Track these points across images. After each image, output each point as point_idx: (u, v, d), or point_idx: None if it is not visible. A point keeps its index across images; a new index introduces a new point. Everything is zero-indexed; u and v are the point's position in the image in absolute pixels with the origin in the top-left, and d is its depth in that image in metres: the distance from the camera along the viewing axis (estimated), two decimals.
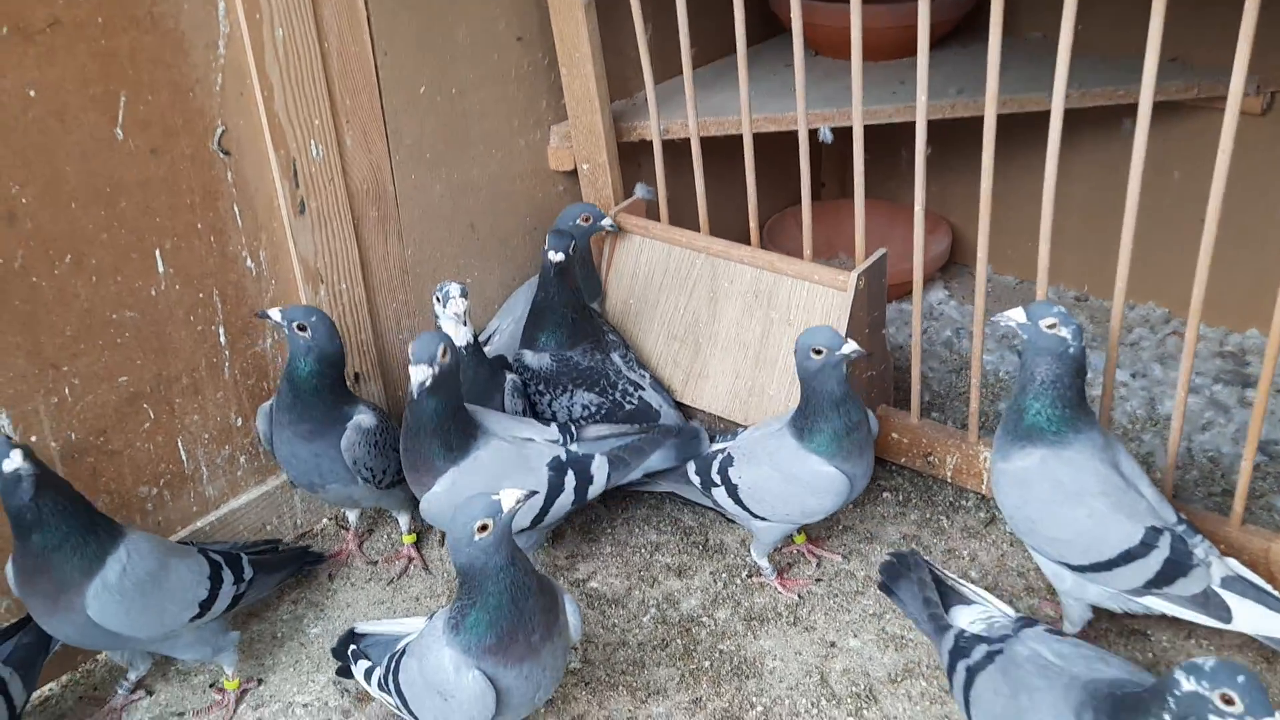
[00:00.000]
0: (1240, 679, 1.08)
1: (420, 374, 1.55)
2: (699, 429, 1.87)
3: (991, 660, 1.36)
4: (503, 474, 1.63)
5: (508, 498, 1.30)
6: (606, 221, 2.02)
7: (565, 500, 1.71)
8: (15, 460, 1.37)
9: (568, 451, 1.72)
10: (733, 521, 1.86)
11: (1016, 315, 1.51)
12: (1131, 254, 1.65)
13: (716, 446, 1.80)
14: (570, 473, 1.70)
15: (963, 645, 1.41)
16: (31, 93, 1.45)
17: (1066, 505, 1.49)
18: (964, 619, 1.47)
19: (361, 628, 1.59)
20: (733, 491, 1.72)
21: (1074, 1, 1.52)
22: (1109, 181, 2.55)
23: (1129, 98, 2.26)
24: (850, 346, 1.58)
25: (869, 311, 1.88)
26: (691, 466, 1.78)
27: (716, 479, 1.74)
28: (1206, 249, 1.56)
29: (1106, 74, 2.25)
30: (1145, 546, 1.47)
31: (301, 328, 1.64)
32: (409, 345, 1.58)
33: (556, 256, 1.86)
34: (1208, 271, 1.58)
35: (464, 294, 1.73)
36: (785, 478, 1.67)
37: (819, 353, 1.59)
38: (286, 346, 1.68)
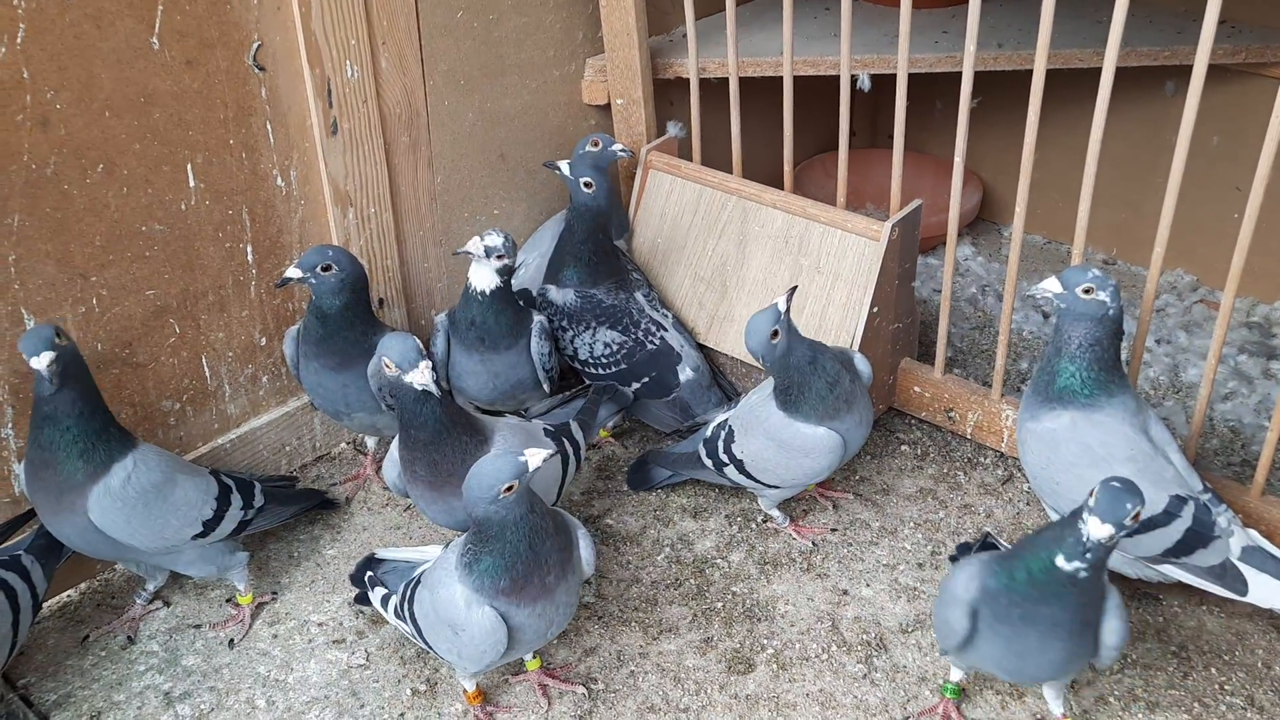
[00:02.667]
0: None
1: (423, 375, 1.41)
2: (617, 386, 1.89)
3: None
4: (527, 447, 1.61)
5: (533, 457, 1.29)
6: (617, 147, 1.98)
7: (572, 466, 1.71)
8: (43, 360, 1.38)
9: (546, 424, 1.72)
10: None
11: (1052, 286, 1.49)
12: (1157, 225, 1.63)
13: (720, 417, 1.78)
14: (564, 440, 1.70)
15: None
16: None
17: (1092, 468, 1.48)
18: None
19: (381, 554, 1.60)
20: (740, 467, 1.72)
21: None
22: (1145, 143, 2.52)
23: (1174, 59, 2.22)
24: (782, 303, 1.54)
25: (900, 263, 1.87)
26: (703, 450, 1.77)
27: (725, 459, 1.73)
28: (1250, 218, 1.54)
29: (1153, 34, 2.21)
30: (1168, 515, 1.47)
31: (326, 268, 1.62)
32: (383, 353, 1.42)
33: (586, 184, 1.84)
34: (1250, 240, 1.56)
35: (497, 251, 1.69)
36: (779, 445, 1.67)
37: (776, 335, 1.55)
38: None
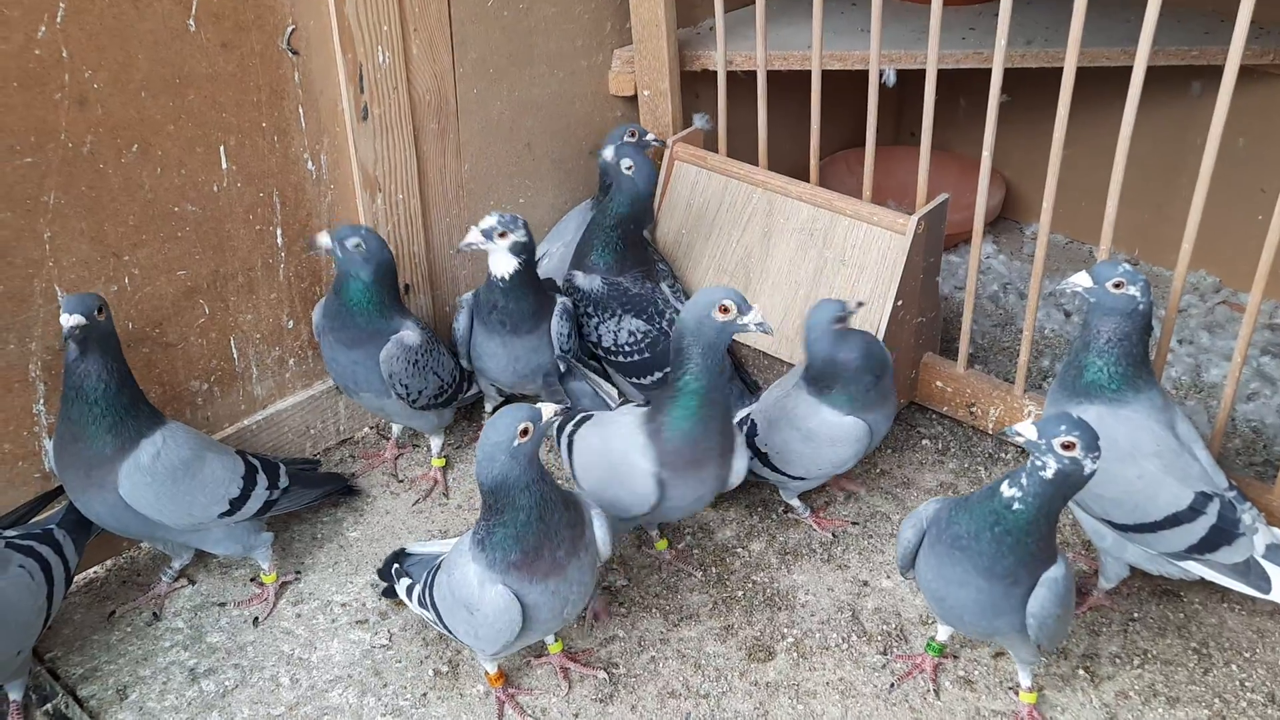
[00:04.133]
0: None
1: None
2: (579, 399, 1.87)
3: None
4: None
5: (546, 410, 1.31)
6: (651, 136, 1.99)
7: None
8: (71, 320, 1.39)
9: None
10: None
11: (1081, 280, 1.50)
12: (1184, 223, 1.63)
13: (743, 412, 1.79)
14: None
15: None
16: None
17: (1118, 464, 1.49)
18: None
19: (410, 548, 1.62)
20: (765, 459, 1.72)
21: None
22: (1170, 143, 2.52)
23: (1202, 59, 2.22)
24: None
25: (925, 257, 1.87)
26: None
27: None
28: (1278, 223, 1.54)
29: (1181, 34, 2.21)
30: (1193, 511, 1.47)
31: (357, 245, 1.64)
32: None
33: (626, 164, 1.85)
34: (1277, 242, 1.56)
35: (489, 231, 1.69)
36: (805, 436, 1.68)
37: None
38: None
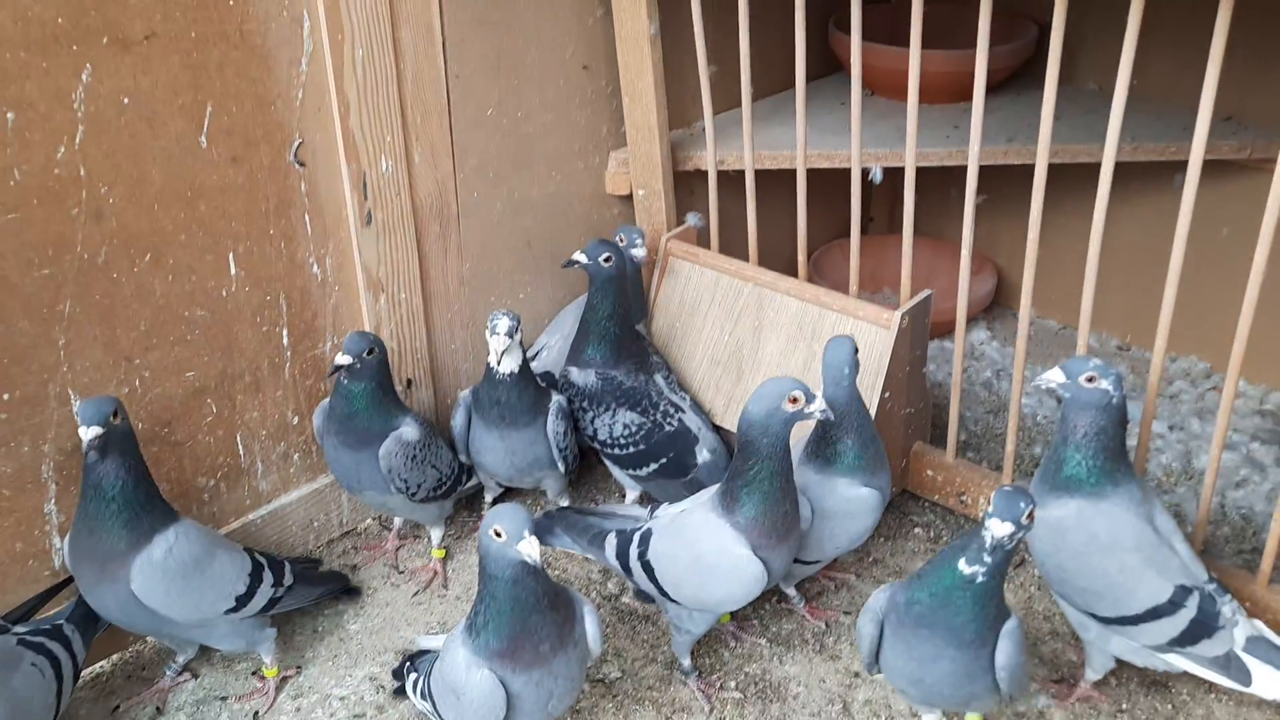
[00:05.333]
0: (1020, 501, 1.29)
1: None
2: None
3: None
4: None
5: (526, 546, 1.32)
6: (637, 251, 2.06)
7: None
8: (90, 433, 1.45)
9: None
10: None
11: (1055, 376, 1.54)
12: (1176, 308, 1.68)
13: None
14: None
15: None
16: (125, 100, 1.54)
17: (1099, 557, 1.52)
18: None
19: (422, 643, 1.65)
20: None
21: (1130, 56, 1.55)
22: (1157, 231, 2.56)
23: (1181, 154, 2.27)
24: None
25: (911, 350, 1.92)
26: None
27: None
28: (1248, 309, 1.59)
29: (1160, 129, 2.28)
30: (1173, 605, 1.49)
31: (370, 352, 1.72)
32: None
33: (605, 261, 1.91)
34: (1249, 330, 1.60)
35: (510, 332, 1.75)
36: (822, 514, 1.67)
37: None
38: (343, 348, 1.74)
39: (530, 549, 1.32)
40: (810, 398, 1.49)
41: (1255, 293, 1.59)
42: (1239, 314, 1.61)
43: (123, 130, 1.55)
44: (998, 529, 1.29)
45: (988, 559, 1.31)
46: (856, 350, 1.65)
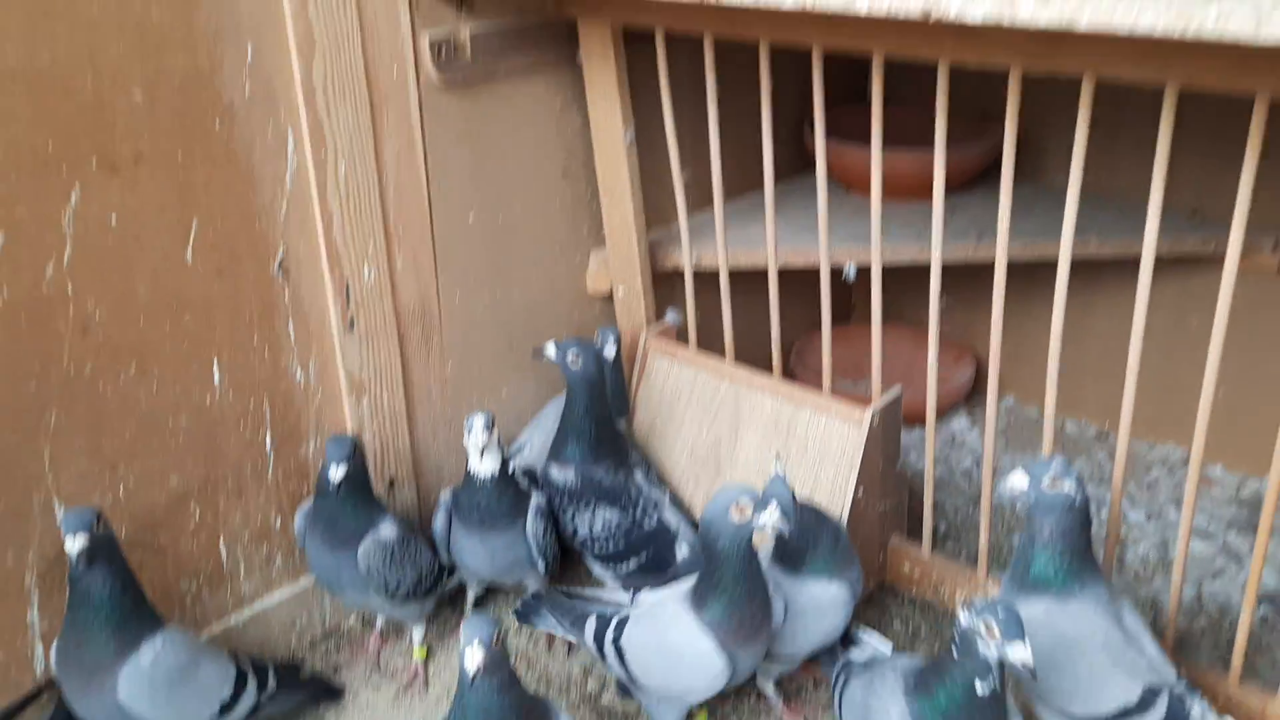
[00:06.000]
0: (1000, 611, 1.35)
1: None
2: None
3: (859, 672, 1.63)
4: None
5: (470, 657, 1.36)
6: (609, 351, 2.11)
7: None
8: (76, 544, 1.48)
9: None
10: None
11: (1019, 482, 1.57)
12: (1153, 396, 1.71)
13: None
14: None
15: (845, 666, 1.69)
16: (113, 218, 1.60)
17: (1067, 657, 1.53)
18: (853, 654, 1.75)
19: None
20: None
21: (1081, 155, 1.59)
22: (1129, 321, 2.62)
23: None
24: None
25: (884, 446, 1.95)
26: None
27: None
28: (1207, 398, 1.62)
29: (1126, 225, 2.34)
30: (1143, 705, 1.50)
31: (352, 455, 1.76)
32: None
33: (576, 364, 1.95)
34: (1208, 420, 1.63)
35: (488, 426, 1.80)
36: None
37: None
38: (325, 456, 1.78)
39: (470, 658, 1.34)
40: (760, 507, 1.51)
41: (1213, 382, 1.62)
42: (1213, 403, 1.65)
43: (110, 248, 1.60)
44: (1019, 653, 1.34)
45: (995, 677, 1.37)
46: (794, 495, 1.64)
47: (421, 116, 1.90)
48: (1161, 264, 2.33)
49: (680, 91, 2.04)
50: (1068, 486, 1.55)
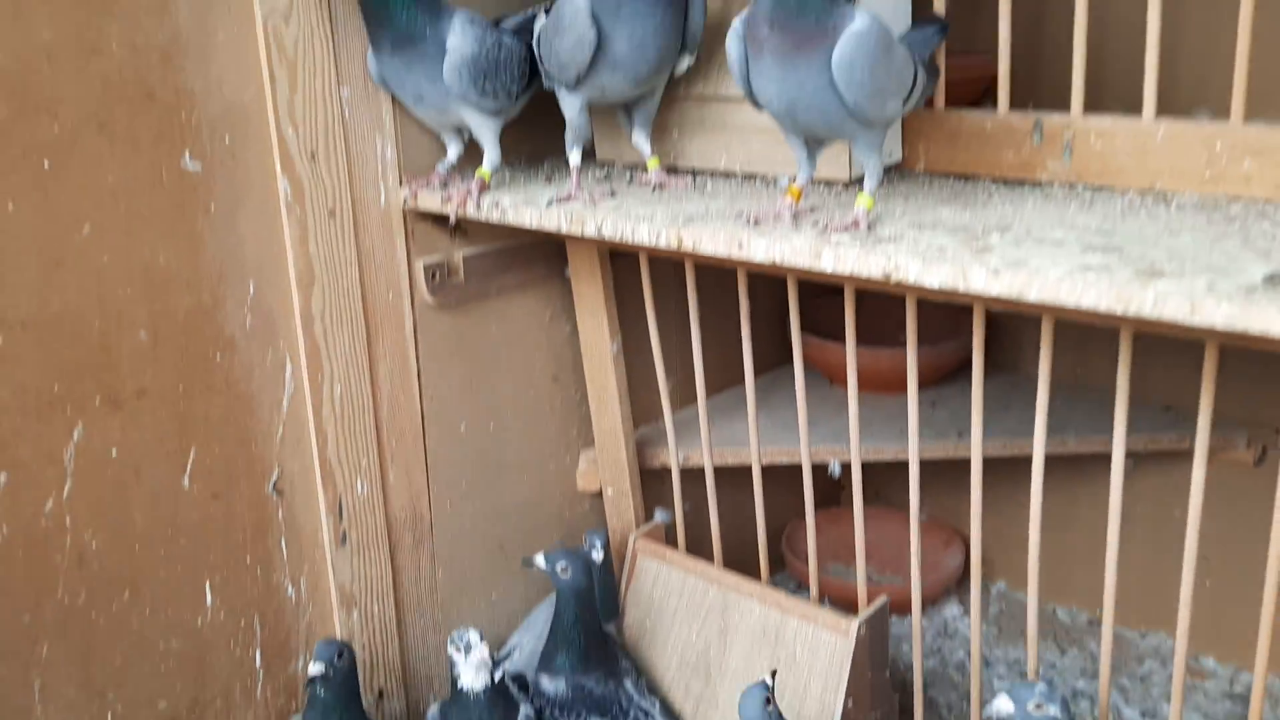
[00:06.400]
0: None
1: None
2: None
3: None
4: None
5: None
6: (595, 554, 2.12)
7: None
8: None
9: None
10: None
11: (1004, 707, 1.58)
12: (1144, 586, 1.73)
13: None
14: None
15: None
16: (114, 452, 1.65)
17: None
18: None
19: None
20: None
21: (1049, 353, 1.65)
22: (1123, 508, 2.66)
23: (1128, 446, 2.39)
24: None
25: (872, 656, 1.96)
26: None
27: None
28: (1186, 594, 1.65)
29: (1104, 419, 2.37)
30: None
31: (340, 656, 1.77)
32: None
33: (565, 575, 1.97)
34: (1190, 614, 1.65)
35: (482, 641, 1.83)
36: None
37: (769, 699, 1.68)
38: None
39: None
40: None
41: (1191, 575, 1.64)
42: (1200, 593, 1.67)
43: (109, 481, 1.65)
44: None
45: None
46: (768, 699, 1.69)
47: (415, 336, 1.98)
48: (1143, 455, 2.38)
49: (665, 302, 2.13)
50: (1053, 710, 1.56)
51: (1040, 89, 2.32)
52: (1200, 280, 1.13)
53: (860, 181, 1.51)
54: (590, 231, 1.64)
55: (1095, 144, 1.56)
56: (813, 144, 1.51)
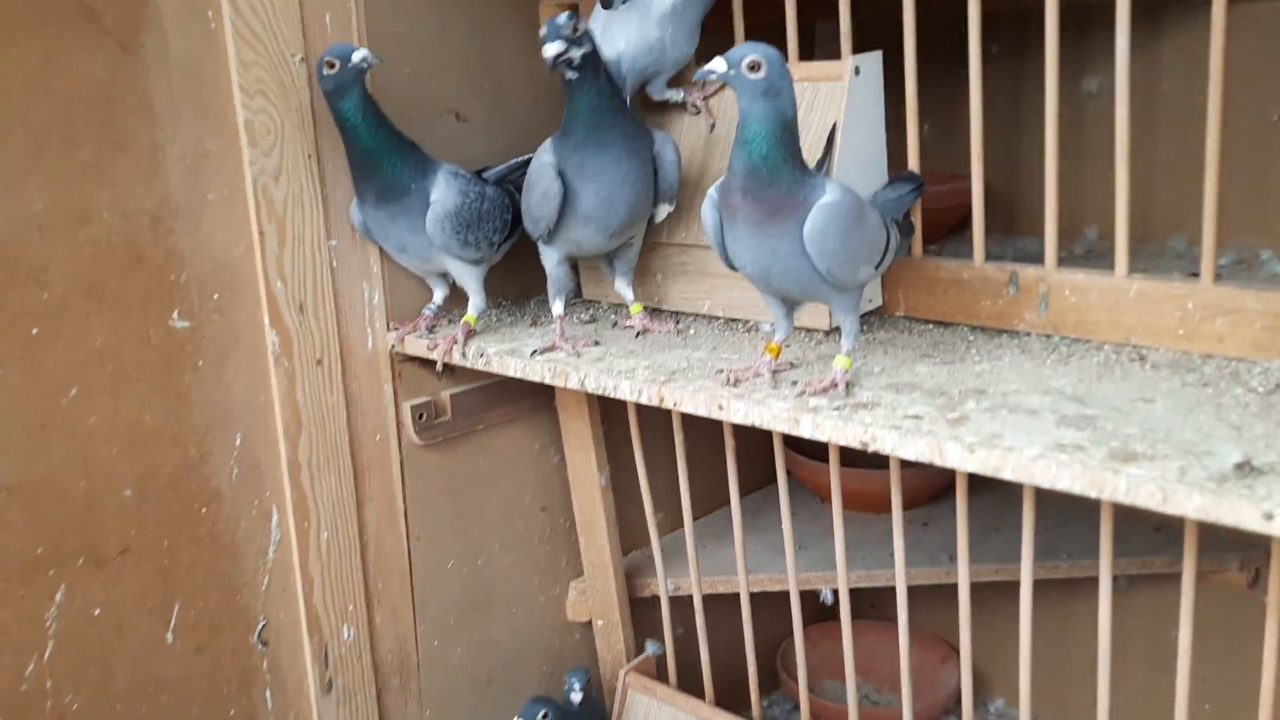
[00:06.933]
0: None
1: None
2: None
3: None
4: None
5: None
6: (575, 697, 2.11)
7: None
8: None
9: None
10: None
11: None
12: (1139, 705, 1.71)
13: None
14: None
15: None
16: (96, 611, 1.64)
17: None
18: None
19: None
20: None
21: (1030, 520, 1.65)
22: (1120, 631, 2.64)
23: (1119, 569, 2.39)
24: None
25: None
26: None
27: None
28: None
29: (1097, 542, 2.38)
30: None
31: None
32: None
33: None
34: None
35: None
36: None
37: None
38: None
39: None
40: None
41: (1185, 697, 1.63)
42: (1200, 715, 1.65)
43: (91, 640, 1.64)
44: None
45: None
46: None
47: (403, 476, 1.98)
48: (1137, 577, 2.37)
49: (653, 432, 2.13)
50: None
51: (1018, 215, 2.38)
52: (1173, 465, 1.14)
53: (840, 329, 1.52)
54: (574, 385, 1.65)
55: (1070, 298, 1.58)
56: (789, 303, 1.53)
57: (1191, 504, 1.08)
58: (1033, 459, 1.19)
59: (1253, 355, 1.44)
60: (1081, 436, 1.23)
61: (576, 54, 1.53)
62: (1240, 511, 1.05)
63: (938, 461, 1.27)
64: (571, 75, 1.56)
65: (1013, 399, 1.38)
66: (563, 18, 1.52)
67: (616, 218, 1.71)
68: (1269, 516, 1.03)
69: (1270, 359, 1.42)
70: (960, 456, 1.24)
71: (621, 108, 1.65)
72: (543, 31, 1.52)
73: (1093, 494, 1.14)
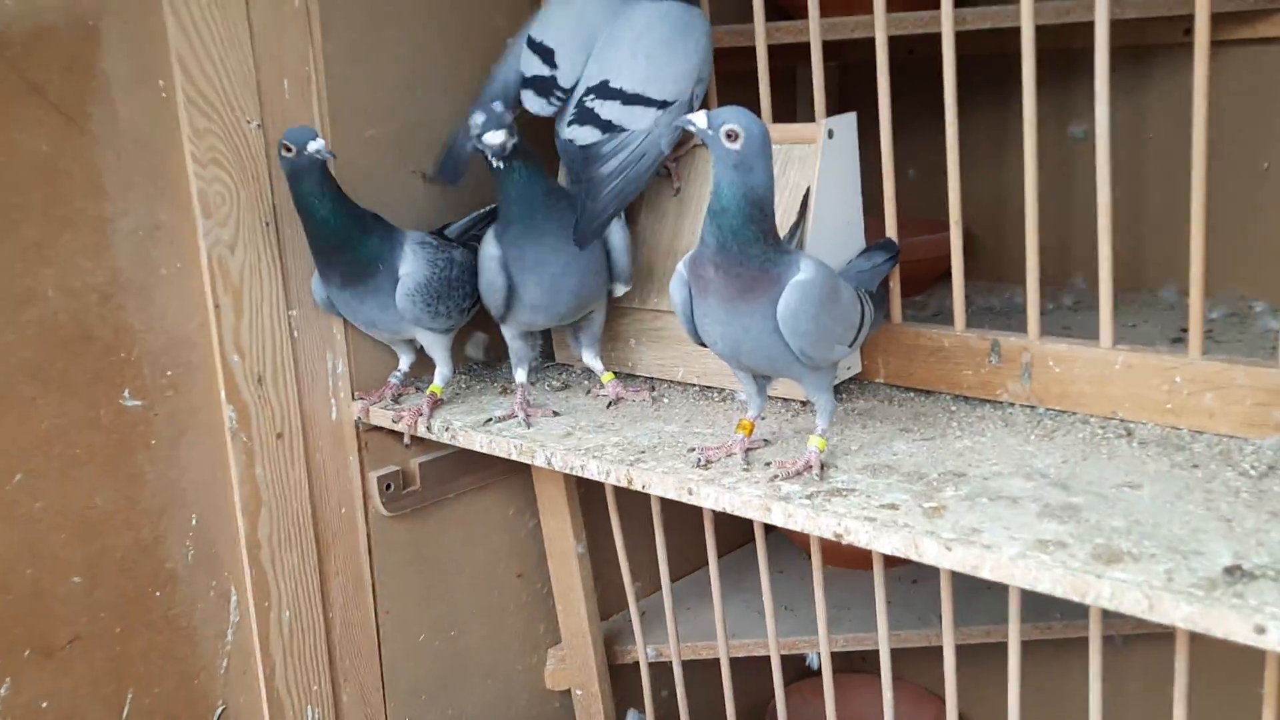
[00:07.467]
0: None
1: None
2: None
3: None
4: None
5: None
6: None
7: None
8: None
9: None
10: None
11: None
12: None
13: None
14: None
15: None
16: (44, 704, 1.57)
17: None
18: None
19: None
20: None
21: (1017, 613, 1.59)
22: (1109, 688, 2.58)
23: (1115, 629, 2.31)
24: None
25: None
26: None
27: None
28: None
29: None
30: None
31: None
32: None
33: None
34: None
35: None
36: None
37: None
38: None
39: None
40: None
41: None
42: None
43: None
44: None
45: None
46: None
47: (370, 549, 1.92)
48: (1133, 635, 2.30)
49: (629, 498, 2.06)
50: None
51: (1006, 263, 2.32)
52: (1159, 568, 1.07)
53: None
54: (540, 462, 1.59)
55: (1054, 368, 1.52)
56: (761, 379, 1.47)
57: (1179, 613, 1.02)
58: (1012, 559, 1.13)
59: (1244, 432, 1.37)
60: (1064, 531, 1.17)
61: (509, 143, 1.50)
62: (1230, 624, 0.99)
63: (914, 558, 1.21)
64: (499, 165, 1.53)
65: (994, 484, 1.32)
66: (498, 105, 1.50)
67: (563, 305, 1.69)
68: (1260, 630, 0.97)
69: (1262, 436, 1.36)
70: (937, 554, 1.18)
71: (557, 192, 1.61)
72: (480, 119, 1.49)
73: (1075, 598, 1.08)
